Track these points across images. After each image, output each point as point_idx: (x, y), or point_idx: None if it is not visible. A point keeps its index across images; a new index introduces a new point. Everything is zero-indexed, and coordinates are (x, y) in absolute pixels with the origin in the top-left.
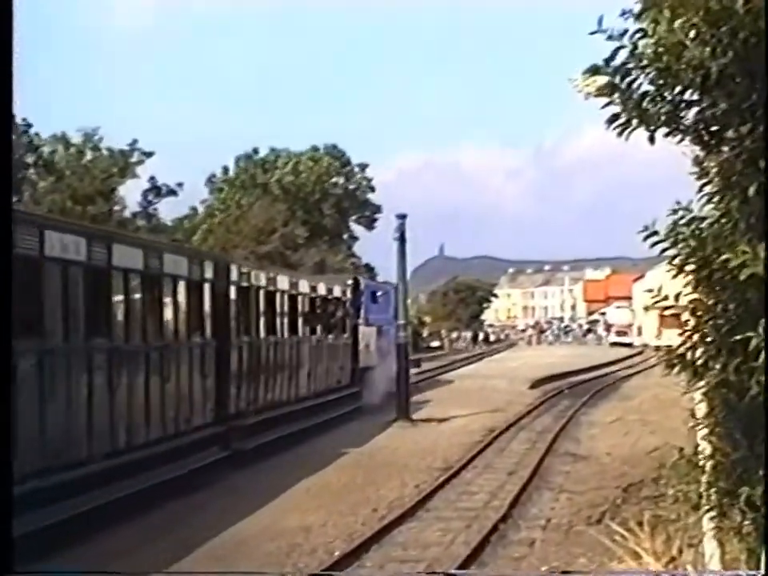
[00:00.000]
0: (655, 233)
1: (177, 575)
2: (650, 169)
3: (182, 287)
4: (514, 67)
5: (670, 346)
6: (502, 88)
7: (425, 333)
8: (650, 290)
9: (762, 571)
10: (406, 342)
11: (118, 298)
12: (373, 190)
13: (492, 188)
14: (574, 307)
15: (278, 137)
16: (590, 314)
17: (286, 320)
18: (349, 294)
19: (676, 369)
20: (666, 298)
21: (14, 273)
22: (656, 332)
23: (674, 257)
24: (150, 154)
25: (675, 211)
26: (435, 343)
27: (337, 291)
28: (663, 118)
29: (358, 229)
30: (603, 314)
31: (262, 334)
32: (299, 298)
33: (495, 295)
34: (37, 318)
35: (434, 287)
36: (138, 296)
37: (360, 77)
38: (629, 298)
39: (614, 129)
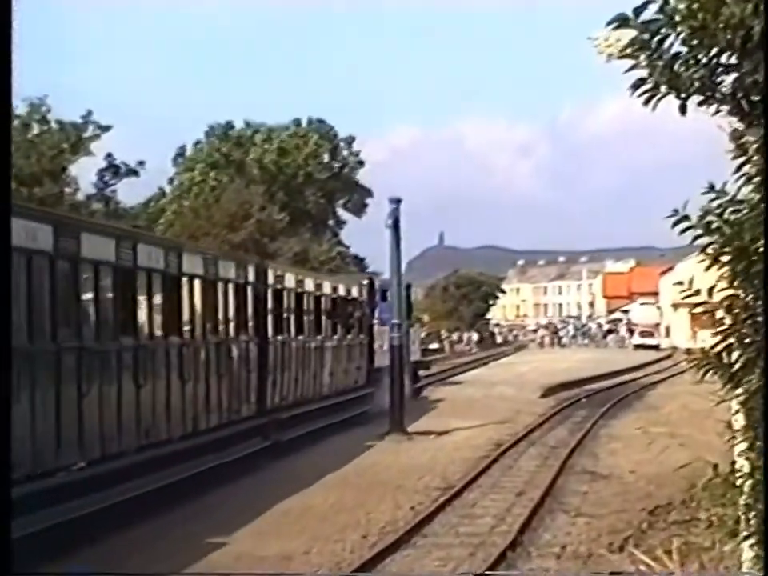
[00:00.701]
0: (686, 218)
1: None
2: (681, 145)
3: (230, 290)
4: (524, 28)
5: (703, 349)
6: (511, 53)
7: (422, 333)
8: (680, 283)
9: (762, 571)
10: (401, 343)
11: (188, 300)
12: (361, 164)
13: (499, 168)
14: (592, 304)
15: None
16: (611, 312)
17: (311, 320)
18: (365, 294)
19: (709, 374)
20: (697, 293)
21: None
22: (687, 333)
23: (707, 246)
24: (106, 128)
25: (709, 193)
26: (434, 345)
27: (354, 291)
28: (697, 84)
29: (345, 215)
30: (626, 312)
31: (292, 333)
32: (322, 299)
33: (502, 290)
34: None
35: (432, 281)
36: (200, 298)
37: (348, 41)
38: (655, 294)
39: (640, 96)
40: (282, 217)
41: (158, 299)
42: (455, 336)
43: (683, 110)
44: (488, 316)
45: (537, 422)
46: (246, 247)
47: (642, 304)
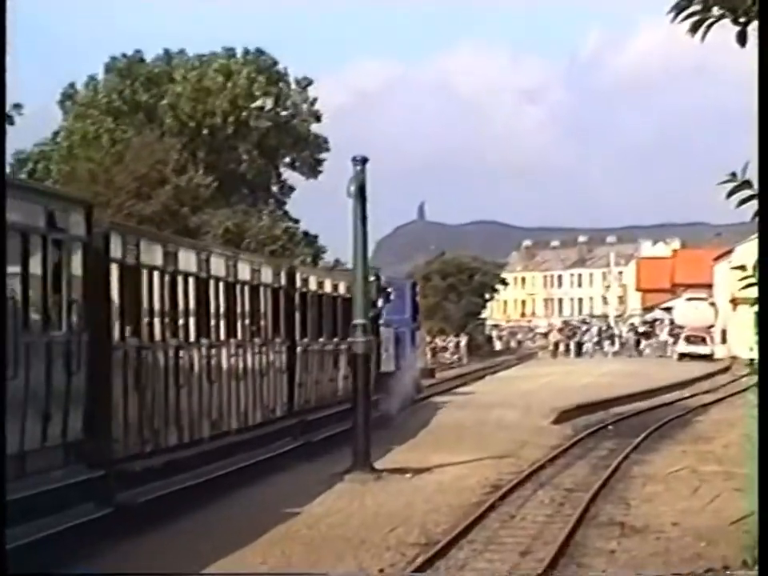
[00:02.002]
0: (746, 184)
1: None
2: (741, 89)
3: (269, 294)
4: None
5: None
6: None
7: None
8: (741, 268)
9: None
10: (366, 350)
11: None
12: (318, 119)
13: (499, 119)
14: (622, 299)
15: (174, 37)
16: (648, 309)
17: (329, 322)
18: (373, 293)
19: None
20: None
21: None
22: (751, 338)
23: None
24: None
25: None
26: None
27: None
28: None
29: (294, 178)
30: (668, 309)
31: (315, 336)
32: (338, 300)
33: (503, 281)
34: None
35: (409, 268)
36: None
37: None
38: (708, 286)
39: (684, 21)
40: (207, 181)
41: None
42: (439, 341)
43: (742, 39)
44: (484, 315)
45: (548, 457)
46: (160, 220)
47: (689, 299)
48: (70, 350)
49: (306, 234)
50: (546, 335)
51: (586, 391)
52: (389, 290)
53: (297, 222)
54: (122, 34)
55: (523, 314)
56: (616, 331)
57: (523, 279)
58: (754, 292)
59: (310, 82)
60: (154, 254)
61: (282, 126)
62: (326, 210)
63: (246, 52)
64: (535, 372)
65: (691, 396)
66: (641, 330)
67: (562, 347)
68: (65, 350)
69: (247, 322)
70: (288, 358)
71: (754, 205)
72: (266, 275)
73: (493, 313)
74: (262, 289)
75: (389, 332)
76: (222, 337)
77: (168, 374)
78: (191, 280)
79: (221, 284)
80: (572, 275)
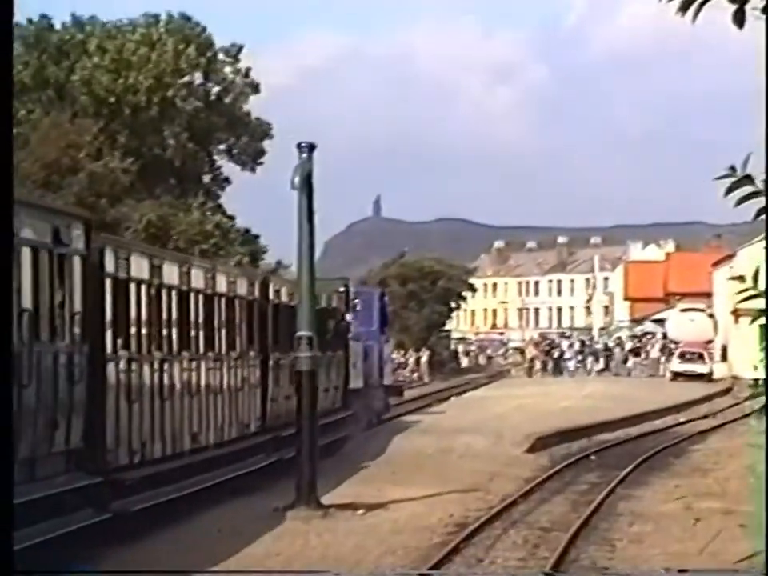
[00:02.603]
0: (747, 180)
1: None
2: (737, 72)
3: (244, 306)
4: None
5: None
6: None
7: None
8: (741, 279)
9: (762, 571)
10: (312, 367)
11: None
12: (256, 89)
13: (467, 101)
14: (608, 310)
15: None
16: (637, 321)
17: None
18: (341, 304)
19: None
20: (766, 293)
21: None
22: (755, 355)
23: None
24: None
25: None
26: None
27: (335, 301)
28: None
29: (229, 168)
30: (660, 322)
31: (286, 350)
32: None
33: (472, 287)
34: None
35: (362, 272)
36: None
37: None
38: (706, 295)
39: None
40: (127, 167)
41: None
42: (397, 357)
43: (740, 19)
44: (449, 326)
45: (521, 491)
46: (69, 213)
47: (684, 310)
48: (72, 361)
49: (243, 231)
50: (520, 351)
51: (565, 415)
52: (355, 300)
53: (232, 218)
54: None
55: (494, 326)
56: (600, 346)
57: (494, 286)
58: (756, 304)
59: (239, 49)
60: (141, 268)
61: (213, 103)
62: (266, 204)
63: (170, 19)
64: (507, 393)
65: (686, 422)
66: (629, 345)
67: (538, 365)
68: (68, 361)
69: (224, 334)
70: (262, 372)
71: (755, 203)
72: (241, 287)
73: (459, 324)
74: (237, 301)
75: (357, 346)
76: (202, 350)
77: (153, 386)
78: (174, 293)
79: (200, 296)
80: (550, 281)
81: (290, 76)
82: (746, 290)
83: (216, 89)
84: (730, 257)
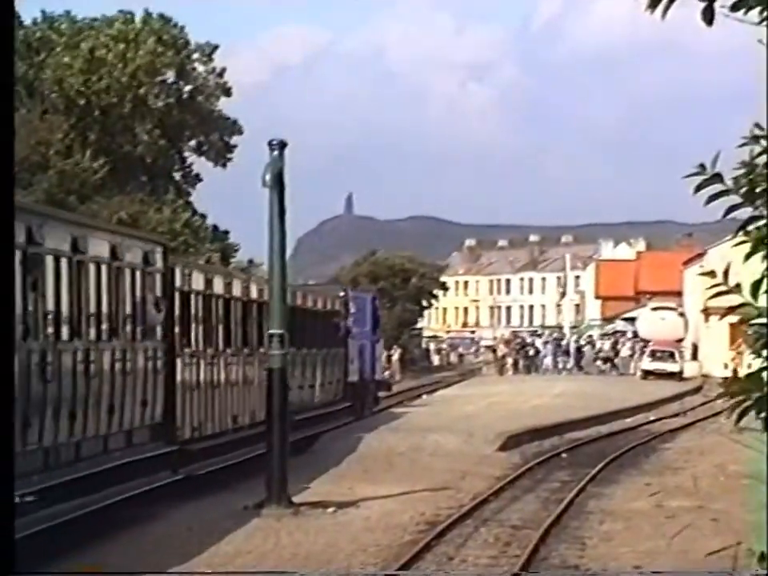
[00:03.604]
0: (717, 178)
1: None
2: (708, 69)
3: (256, 309)
4: None
5: (737, 377)
6: None
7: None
8: (711, 275)
9: (763, 571)
10: (283, 365)
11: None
12: (228, 93)
13: (440, 98)
14: (579, 308)
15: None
16: (608, 320)
17: (310, 334)
18: (341, 307)
19: (751, 417)
20: (738, 290)
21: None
22: (725, 354)
23: (751, 220)
24: None
25: (752, 143)
26: None
27: (337, 305)
28: None
29: (200, 165)
30: (631, 320)
31: (299, 346)
32: (318, 314)
33: (443, 285)
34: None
35: (334, 269)
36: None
37: None
38: (677, 294)
39: None
40: (98, 165)
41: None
42: None
43: (709, 17)
44: (420, 324)
45: (492, 489)
46: (39, 213)
47: (655, 309)
48: (157, 355)
49: (214, 228)
50: (492, 349)
51: (537, 414)
52: (350, 304)
53: (204, 216)
54: None
55: (465, 324)
56: (573, 345)
57: (466, 284)
58: (726, 301)
59: (214, 48)
60: (199, 282)
61: (185, 102)
62: (237, 201)
63: (147, 17)
64: (479, 391)
65: (657, 420)
66: (600, 344)
67: (509, 363)
68: (154, 355)
69: (255, 333)
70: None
71: (725, 201)
72: (253, 291)
73: (431, 322)
74: (264, 306)
75: (352, 344)
76: (240, 346)
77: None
78: (220, 301)
79: (238, 303)
80: (522, 280)
81: (262, 73)
82: (717, 284)
83: (188, 87)
84: (701, 255)
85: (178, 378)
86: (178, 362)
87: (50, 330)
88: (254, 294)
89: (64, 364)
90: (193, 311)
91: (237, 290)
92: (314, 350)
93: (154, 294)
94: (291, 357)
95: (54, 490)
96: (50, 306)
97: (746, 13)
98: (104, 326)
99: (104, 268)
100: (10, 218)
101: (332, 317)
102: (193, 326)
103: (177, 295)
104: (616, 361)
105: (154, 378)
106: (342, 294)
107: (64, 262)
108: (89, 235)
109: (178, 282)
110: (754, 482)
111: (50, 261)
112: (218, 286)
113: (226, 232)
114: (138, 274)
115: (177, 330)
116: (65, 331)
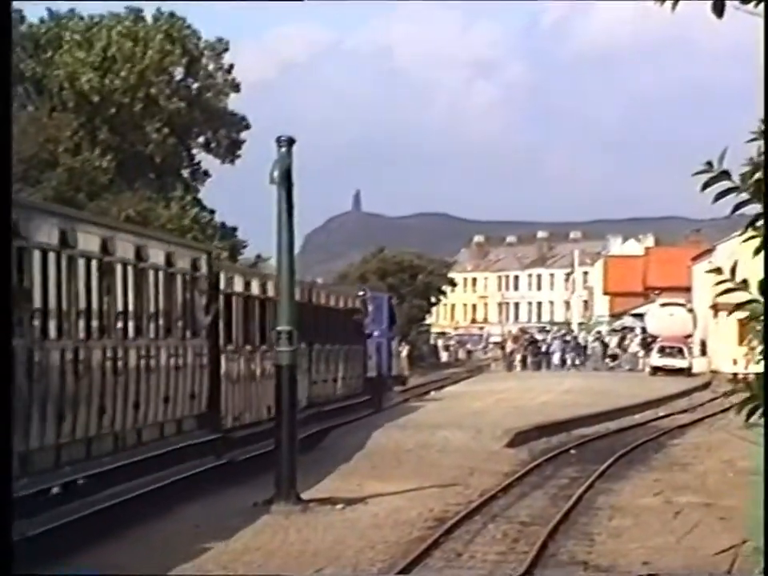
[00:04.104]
0: (724, 175)
1: None
2: (718, 65)
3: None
4: None
5: (745, 376)
6: None
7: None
8: (718, 271)
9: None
10: (292, 362)
11: None
12: (236, 88)
13: (447, 95)
14: (587, 304)
15: None
16: (616, 316)
17: (333, 332)
18: (361, 307)
19: (758, 414)
20: (744, 286)
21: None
22: (734, 349)
23: (759, 216)
24: None
25: (760, 135)
26: None
27: (358, 304)
28: None
29: (208, 161)
30: (640, 316)
31: (323, 342)
32: (341, 313)
33: (452, 282)
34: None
35: (342, 266)
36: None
37: None
38: (685, 290)
39: None
40: (106, 163)
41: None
42: None
43: (719, 9)
44: (428, 321)
45: (500, 486)
46: (48, 210)
47: (663, 305)
48: (203, 351)
49: (222, 225)
50: (500, 346)
51: (545, 410)
52: (368, 304)
53: (212, 212)
54: None
55: (474, 321)
56: (580, 342)
57: (474, 280)
58: (733, 298)
59: (226, 47)
60: (238, 284)
61: (193, 99)
62: (245, 198)
63: (158, 15)
64: (487, 387)
65: (665, 416)
66: (608, 340)
67: (518, 359)
68: (200, 351)
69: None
70: (307, 359)
71: (733, 198)
72: (299, 294)
73: (439, 319)
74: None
75: (371, 342)
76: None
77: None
78: (257, 302)
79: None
80: (530, 276)
81: (270, 70)
82: (724, 281)
83: (197, 84)
84: (709, 251)
85: (222, 371)
86: (222, 357)
87: (119, 327)
88: (313, 299)
89: (129, 359)
90: (234, 311)
91: (271, 291)
92: (336, 346)
93: (203, 297)
94: (317, 353)
95: (120, 470)
96: (119, 307)
97: (756, 5)
98: (161, 325)
99: (161, 274)
100: (7, 217)
101: (352, 315)
102: (234, 324)
103: (221, 297)
104: (624, 357)
105: (201, 372)
106: (361, 293)
107: (130, 270)
108: (148, 245)
109: (221, 285)
110: (761, 479)
111: (119, 268)
112: (255, 288)
113: (234, 229)
114: (187, 278)
115: (220, 328)
116: (130, 329)
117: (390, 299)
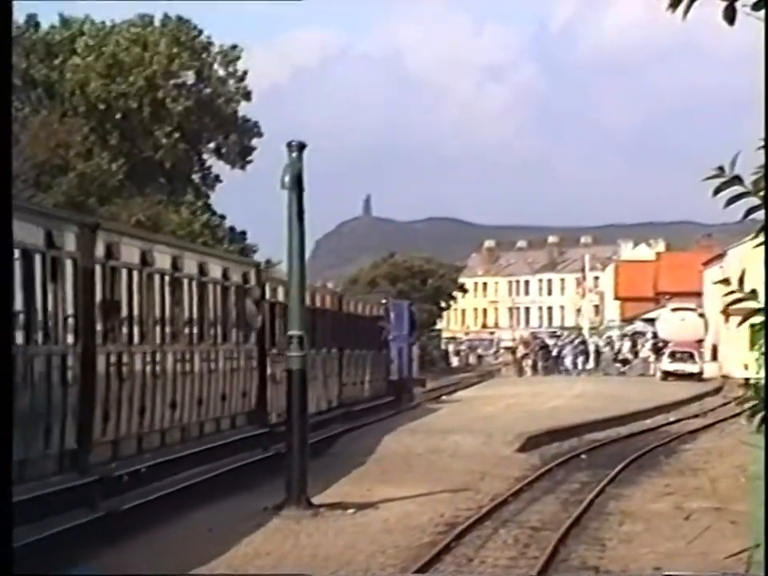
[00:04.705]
0: (736, 180)
1: None
2: (729, 72)
3: (329, 317)
4: None
5: (755, 383)
6: None
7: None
8: (726, 282)
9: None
10: (303, 366)
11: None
12: (247, 98)
13: (457, 100)
14: (598, 309)
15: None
16: (627, 321)
17: (360, 338)
18: (384, 314)
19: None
20: (753, 293)
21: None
22: (745, 355)
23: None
24: None
25: None
26: None
27: (381, 311)
28: None
29: (218, 167)
30: (651, 321)
31: (353, 348)
32: (367, 320)
33: (462, 287)
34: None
35: (353, 271)
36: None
37: None
38: (696, 295)
39: None
40: (117, 167)
41: None
42: None
43: (730, 16)
44: (439, 326)
45: (511, 490)
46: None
47: (674, 310)
48: (253, 354)
49: (232, 229)
50: (511, 350)
51: (556, 415)
52: (390, 312)
53: (222, 217)
54: None
55: (484, 325)
56: (591, 346)
57: (484, 285)
58: (744, 305)
59: (239, 55)
60: (280, 293)
61: (204, 105)
62: (256, 203)
63: (166, 19)
64: (498, 392)
65: (676, 421)
66: (619, 345)
67: (528, 364)
68: (251, 354)
69: (319, 337)
70: (339, 362)
71: (744, 203)
72: (328, 303)
73: (449, 323)
74: (326, 313)
75: (393, 346)
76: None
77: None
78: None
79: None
80: (540, 281)
81: (281, 75)
82: (733, 291)
83: (208, 90)
84: (720, 256)
85: (268, 373)
86: (268, 360)
87: (186, 333)
88: (317, 303)
89: (195, 361)
90: (277, 318)
91: (307, 300)
92: (364, 351)
93: (252, 306)
94: (347, 357)
95: (183, 460)
96: (186, 316)
97: (764, 10)
98: (219, 332)
99: (218, 287)
100: (7, 217)
101: (376, 321)
102: (277, 330)
103: (266, 306)
104: (635, 362)
105: (251, 373)
106: (383, 301)
107: (194, 284)
108: (209, 262)
109: (267, 295)
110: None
111: (185, 283)
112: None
113: (244, 233)
114: (240, 290)
115: (266, 333)
116: (195, 335)
117: (411, 306)
